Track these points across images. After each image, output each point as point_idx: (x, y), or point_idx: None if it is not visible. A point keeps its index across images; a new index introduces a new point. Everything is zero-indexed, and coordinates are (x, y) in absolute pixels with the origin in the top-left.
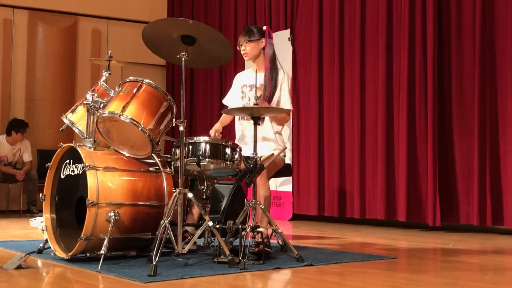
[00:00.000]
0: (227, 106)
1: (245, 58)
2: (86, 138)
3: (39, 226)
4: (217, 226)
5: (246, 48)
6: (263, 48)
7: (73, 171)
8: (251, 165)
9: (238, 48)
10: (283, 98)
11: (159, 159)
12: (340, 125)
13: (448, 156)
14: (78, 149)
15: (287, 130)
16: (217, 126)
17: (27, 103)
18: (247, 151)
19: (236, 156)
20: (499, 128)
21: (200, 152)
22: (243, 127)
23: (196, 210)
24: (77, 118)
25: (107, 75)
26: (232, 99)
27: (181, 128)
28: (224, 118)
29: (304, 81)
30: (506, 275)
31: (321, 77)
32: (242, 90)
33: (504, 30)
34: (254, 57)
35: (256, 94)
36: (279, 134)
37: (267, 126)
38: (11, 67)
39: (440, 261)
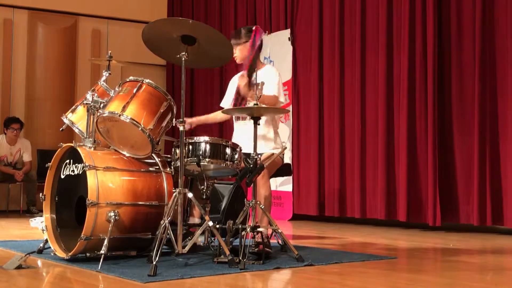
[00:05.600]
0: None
1: (236, 61)
2: (86, 138)
3: (39, 226)
4: (217, 226)
5: (236, 52)
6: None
7: (73, 171)
8: (251, 165)
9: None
10: (268, 86)
11: (159, 159)
12: (340, 125)
13: (448, 156)
14: (78, 149)
15: (287, 130)
16: (195, 120)
17: (27, 103)
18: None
19: (236, 156)
20: (499, 128)
21: (200, 152)
22: (239, 127)
23: (196, 211)
24: (77, 118)
25: (107, 75)
26: (228, 101)
27: (181, 128)
28: (215, 116)
29: (304, 81)
30: (506, 275)
31: (321, 77)
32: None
33: (504, 29)
34: (243, 59)
35: (255, 94)
36: (276, 133)
37: (264, 126)
38: (11, 67)
39: (440, 261)
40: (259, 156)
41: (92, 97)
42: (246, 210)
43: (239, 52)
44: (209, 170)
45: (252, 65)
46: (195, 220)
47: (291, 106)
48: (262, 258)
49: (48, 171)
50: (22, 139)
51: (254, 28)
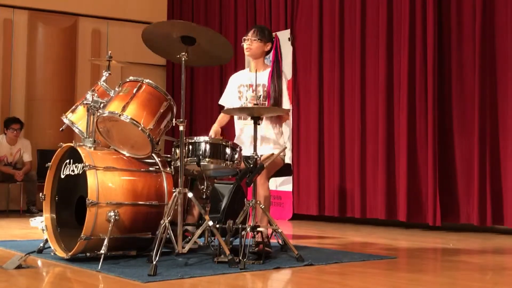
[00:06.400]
0: (223, 107)
1: (246, 53)
2: (86, 138)
3: (39, 226)
4: (217, 225)
5: (252, 44)
6: (267, 52)
7: (73, 171)
8: (251, 165)
9: (242, 41)
10: (283, 98)
11: (159, 159)
12: (340, 124)
13: (448, 156)
14: (78, 149)
15: (287, 130)
16: (216, 127)
17: (27, 103)
18: (246, 150)
19: (236, 156)
20: (499, 128)
21: (200, 152)
22: (242, 127)
23: (196, 211)
24: (77, 118)
25: (107, 75)
26: (229, 99)
27: (181, 128)
28: (222, 118)
29: (304, 81)
30: (506, 275)
31: (321, 77)
32: (239, 90)
33: (504, 30)
34: (255, 55)
35: (255, 93)
36: (280, 133)
37: (267, 126)
38: (11, 67)
39: (440, 261)
40: (259, 156)
41: (92, 97)
42: (246, 210)
43: (255, 48)
44: (209, 170)
45: (275, 75)
46: (194, 219)
47: (291, 106)
48: (262, 258)
49: (48, 171)
50: (22, 139)
51: (274, 35)
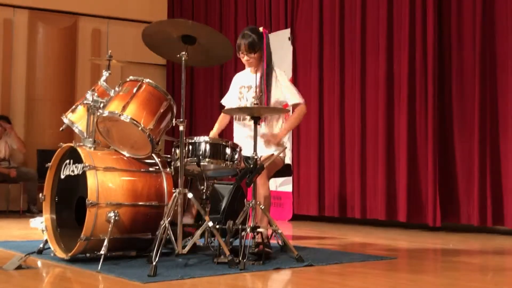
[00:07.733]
0: (225, 106)
1: (247, 66)
2: (86, 138)
3: (39, 226)
4: (217, 226)
5: (250, 59)
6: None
7: (73, 171)
8: (251, 165)
9: (237, 54)
10: (288, 94)
11: (159, 159)
12: (340, 125)
13: (449, 156)
14: (78, 149)
15: None
16: (214, 133)
17: (27, 103)
18: (245, 150)
19: (236, 156)
20: (499, 128)
21: (200, 152)
22: (241, 127)
23: (193, 210)
24: (77, 118)
25: (107, 74)
26: (230, 100)
27: (181, 128)
28: (222, 121)
29: (304, 81)
30: (506, 275)
31: (321, 77)
32: (240, 91)
33: (504, 30)
34: (256, 65)
35: (256, 94)
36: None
37: (267, 126)
38: (11, 67)
39: (440, 261)
40: (259, 156)
41: (92, 97)
42: (246, 211)
43: (254, 60)
44: (209, 170)
45: (268, 72)
46: (188, 220)
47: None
48: (262, 259)
49: (48, 171)
50: (5, 134)
51: (261, 30)
